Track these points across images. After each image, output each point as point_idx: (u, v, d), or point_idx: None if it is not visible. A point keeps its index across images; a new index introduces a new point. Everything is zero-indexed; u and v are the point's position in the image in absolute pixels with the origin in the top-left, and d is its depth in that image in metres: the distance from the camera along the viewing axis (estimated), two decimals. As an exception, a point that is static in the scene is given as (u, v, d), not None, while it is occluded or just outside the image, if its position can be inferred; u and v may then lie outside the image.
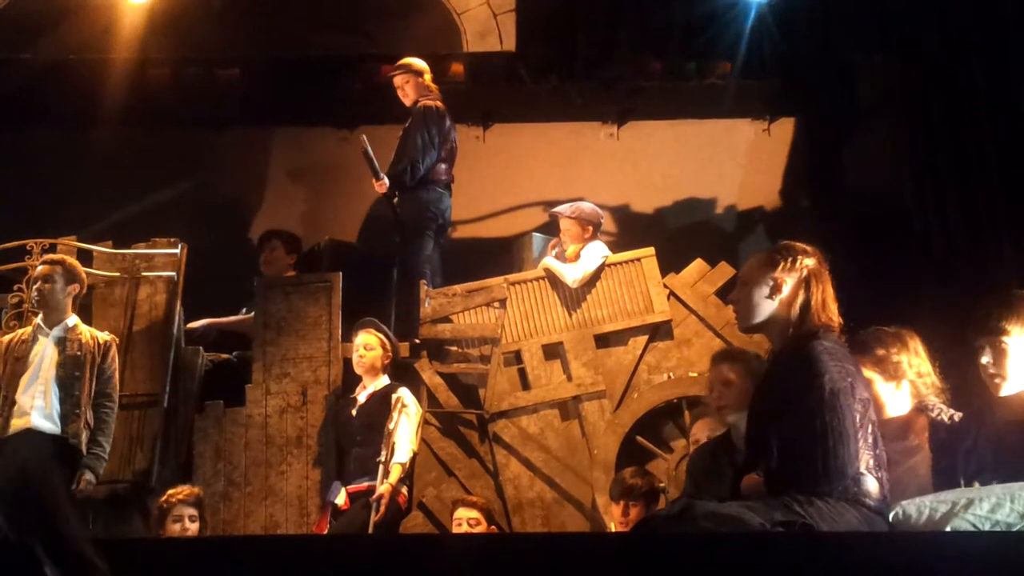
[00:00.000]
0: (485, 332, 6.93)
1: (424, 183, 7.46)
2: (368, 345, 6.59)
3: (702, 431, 5.60)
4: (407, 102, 7.63)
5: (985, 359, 3.93)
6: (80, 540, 4.95)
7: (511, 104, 8.96)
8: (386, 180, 7.42)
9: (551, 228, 7.59)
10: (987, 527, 3.27)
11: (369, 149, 7.36)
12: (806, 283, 3.61)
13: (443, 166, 7.54)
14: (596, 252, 7.07)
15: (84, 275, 6.18)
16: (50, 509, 5.25)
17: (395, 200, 7.56)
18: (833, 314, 3.61)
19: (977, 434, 3.86)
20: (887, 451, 3.59)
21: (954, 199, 7.37)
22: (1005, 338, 3.88)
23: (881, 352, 4.17)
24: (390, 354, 6.65)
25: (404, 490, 6.35)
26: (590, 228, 7.17)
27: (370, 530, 5.93)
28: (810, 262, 3.64)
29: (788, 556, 2.96)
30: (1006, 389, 3.92)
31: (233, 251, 8.17)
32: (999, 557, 2.95)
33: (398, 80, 7.66)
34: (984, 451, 3.80)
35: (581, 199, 7.52)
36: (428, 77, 7.65)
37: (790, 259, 3.63)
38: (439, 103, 7.58)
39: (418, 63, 7.68)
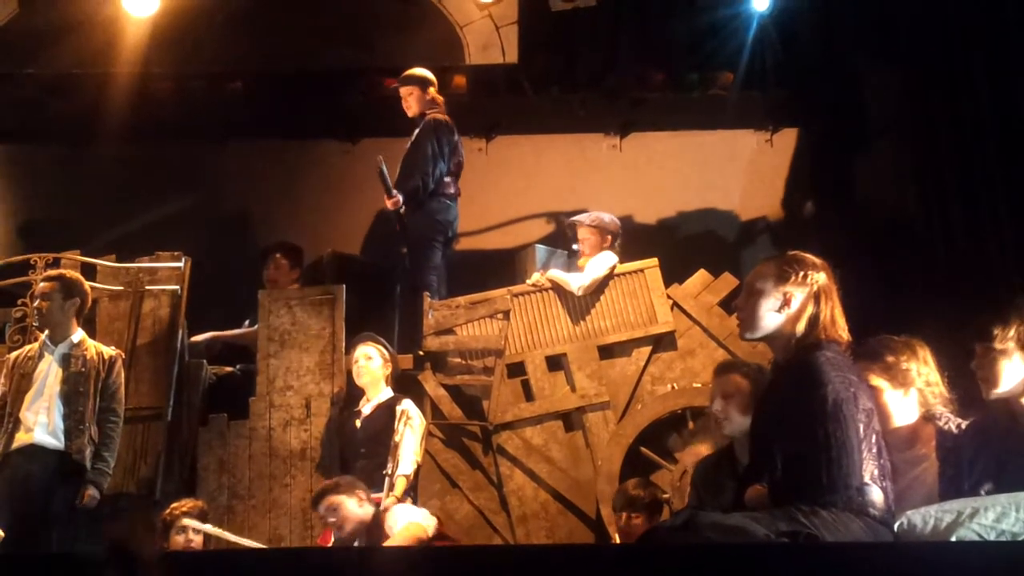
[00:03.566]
0: (488, 344, 6.92)
1: (432, 195, 7.44)
2: (367, 356, 6.58)
3: (692, 458, 5.63)
4: (410, 113, 7.60)
5: (975, 363, 3.95)
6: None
7: (514, 116, 8.96)
8: (400, 197, 7.36)
9: (555, 239, 7.60)
10: (992, 536, 3.26)
11: (384, 168, 7.27)
12: (816, 298, 3.56)
13: (451, 178, 7.53)
14: (604, 261, 7.07)
15: (87, 287, 6.18)
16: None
17: (402, 212, 7.53)
18: (842, 330, 3.57)
19: (979, 442, 3.86)
20: (894, 460, 3.58)
21: (958, 208, 7.36)
22: (992, 344, 3.88)
23: (891, 359, 4.15)
24: (390, 364, 6.63)
25: (409, 502, 6.34)
26: (609, 238, 7.18)
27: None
28: (820, 277, 3.59)
29: (793, 567, 2.95)
30: (995, 394, 3.92)
31: (237, 264, 8.16)
32: (1005, 567, 2.93)
33: (403, 91, 7.64)
34: (987, 459, 3.79)
35: (584, 211, 7.52)
36: (434, 90, 7.61)
37: (801, 273, 3.58)
38: (447, 116, 7.56)
39: (425, 74, 7.63)
